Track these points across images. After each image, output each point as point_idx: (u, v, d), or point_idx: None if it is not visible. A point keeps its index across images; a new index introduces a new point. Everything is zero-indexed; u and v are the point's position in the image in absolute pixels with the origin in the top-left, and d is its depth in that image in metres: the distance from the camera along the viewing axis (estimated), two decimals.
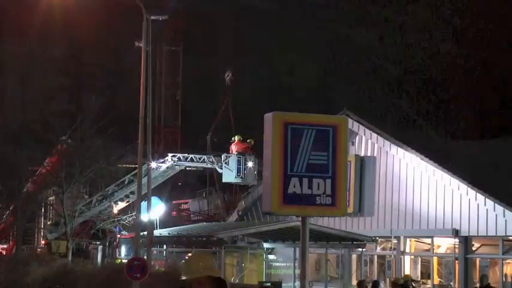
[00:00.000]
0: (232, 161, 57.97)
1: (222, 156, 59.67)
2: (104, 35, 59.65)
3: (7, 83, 56.46)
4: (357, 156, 50.37)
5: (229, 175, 59.13)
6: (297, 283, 33.44)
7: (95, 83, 61.71)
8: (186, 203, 79.98)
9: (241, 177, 58.43)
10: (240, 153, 58.08)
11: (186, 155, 63.49)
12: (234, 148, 58.75)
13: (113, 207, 60.50)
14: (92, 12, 53.53)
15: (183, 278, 6.78)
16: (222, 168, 59.78)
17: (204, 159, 61.46)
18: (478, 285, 27.12)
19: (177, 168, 64.17)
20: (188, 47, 79.99)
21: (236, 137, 59.30)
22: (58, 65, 58.05)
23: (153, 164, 49.57)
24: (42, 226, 66.26)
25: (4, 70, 56.93)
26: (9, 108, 55.93)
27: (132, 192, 58.08)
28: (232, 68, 70.91)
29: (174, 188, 78.36)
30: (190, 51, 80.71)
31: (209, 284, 6.55)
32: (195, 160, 62.21)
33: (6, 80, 56.67)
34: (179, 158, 62.28)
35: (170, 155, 62.47)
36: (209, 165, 62.13)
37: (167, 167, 61.35)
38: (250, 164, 56.96)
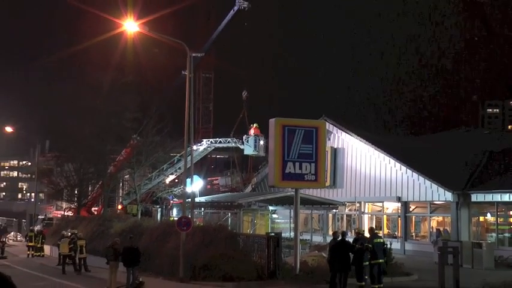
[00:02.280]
0: (251, 140, 61.89)
1: (244, 136, 62.15)
2: (161, 66, 60.01)
3: (95, 99, 56.74)
4: (332, 147, 50.41)
5: (248, 149, 62.67)
6: (292, 233, 33.33)
7: (155, 98, 61.87)
8: (216, 180, 79.89)
9: (257, 151, 61.63)
10: (256, 135, 60.91)
11: (216, 139, 64.42)
12: (252, 131, 62.04)
13: (165, 179, 61.14)
14: (151, 51, 53.64)
15: None
16: (243, 145, 62.77)
17: (229, 141, 62.99)
18: (340, 238, 26.65)
19: (209, 149, 65.03)
20: (218, 72, 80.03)
21: (254, 124, 61.86)
22: (130, 87, 58.34)
23: (194, 147, 49.77)
24: (120, 195, 66.37)
25: (93, 91, 57.20)
26: (97, 116, 56.14)
27: (179, 168, 58.80)
28: (247, 88, 70.91)
29: (208, 169, 78.35)
30: (220, 75, 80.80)
31: None
32: (222, 142, 63.41)
33: (94, 97, 56.93)
34: (211, 142, 63.30)
35: (205, 140, 63.21)
36: (233, 144, 63.39)
37: (204, 149, 62.71)
38: (262, 142, 60.01)
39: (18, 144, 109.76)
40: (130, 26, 36.20)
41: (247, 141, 62.14)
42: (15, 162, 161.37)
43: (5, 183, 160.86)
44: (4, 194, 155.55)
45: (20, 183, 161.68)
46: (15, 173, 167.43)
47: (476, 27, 74.03)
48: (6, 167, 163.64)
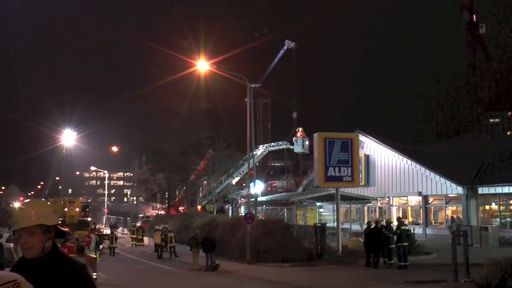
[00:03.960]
0: (299, 140, 61.46)
1: (293, 138, 62.81)
2: (228, 94, 60.06)
3: (178, 123, 57.28)
4: (365, 154, 49.66)
5: (297, 148, 62.07)
6: (335, 223, 33.01)
7: (224, 120, 62.05)
8: (274, 183, 79.46)
9: (304, 149, 60.96)
10: (302, 137, 61.22)
11: (270, 143, 64.53)
12: (299, 134, 61.93)
13: (232, 181, 61.18)
14: (218, 83, 53.64)
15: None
16: (292, 146, 62.60)
17: (280, 144, 63.09)
18: (373, 226, 26.76)
19: (264, 153, 65.28)
20: (274, 98, 79.36)
21: (300, 128, 62.59)
22: (204, 112, 58.82)
23: (254, 152, 49.80)
24: (200, 196, 66.61)
25: (176, 116, 57.70)
26: (180, 136, 56.63)
27: (243, 171, 58.34)
28: (297, 109, 70.59)
29: (268, 175, 78.06)
30: (275, 100, 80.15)
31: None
32: (275, 145, 63.57)
33: (176, 121, 57.47)
34: (266, 146, 63.23)
35: (260, 145, 62.97)
36: (284, 146, 63.60)
37: (260, 153, 62.51)
38: (307, 142, 59.61)
39: (123, 160, 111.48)
40: (203, 65, 36.43)
41: (297, 141, 62.02)
42: (121, 173, 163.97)
43: (114, 190, 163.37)
44: (114, 198, 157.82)
45: (125, 190, 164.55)
46: (121, 182, 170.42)
47: (477, 54, 72.68)
48: (114, 178, 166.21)
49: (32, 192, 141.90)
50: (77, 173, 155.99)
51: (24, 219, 3.64)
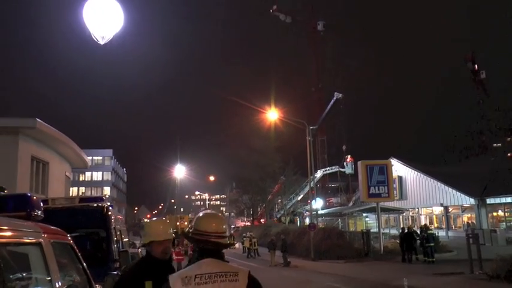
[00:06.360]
0: (349, 164, 60.95)
1: (344, 163, 62.27)
2: (293, 134, 59.66)
3: (256, 157, 57.65)
4: (398, 175, 48.51)
5: (348, 170, 61.95)
6: (377, 229, 32.36)
7: (291, 154, 61.62)
8: (331, 199, 78.05)
9: (352, 171, 59.75)
10: (351, 161, 60.67)
11: (326, 168, 63.85)
12: (348, 159, 61.72)
13: (298, 198, 60.85)
14: (285, 126, 53.70)
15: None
16: (343, 168, 62.67)
17: (333, 168, 62.59)
18: (406, 231, 26.26)
19: (321, 176, 64.35)
20: (329, 136, 78.37)
21: (349, 155, 62.34)
22: (277, 149, 58.82)
23: (314, 175, 49.35)
24: (276, 211, 66.59)
25: (255, 152, 58.10)
26: (259, 167, 56.96)
27: (307, 190, 57.58)
28: (346, 142, 69.76)
29: (326, 193, 76.78)
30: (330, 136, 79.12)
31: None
32: (329, 169, 62.73)
33: (256, 156, 57.84)
34: (323, 170, 63.15)
35: (318, 170, 62.20)
36: (336, 169, 63.59)
37: (319, 176, 62.23)
38: (353, 165, 58.15)
39: (218, 185, 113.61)
40: (273, 114, 36.94)
41: (347, 165, 61.76)
42: (217, 196, 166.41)
43: (212, 209, 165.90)
44: None
45: (220, 208, 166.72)
46: (217, 202, 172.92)
47: (479, 94, 70.17)
48: (213, 199, 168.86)
49: (156, 211, 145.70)
50: (186, 196, 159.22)
51: (169, 233, 3.98)
